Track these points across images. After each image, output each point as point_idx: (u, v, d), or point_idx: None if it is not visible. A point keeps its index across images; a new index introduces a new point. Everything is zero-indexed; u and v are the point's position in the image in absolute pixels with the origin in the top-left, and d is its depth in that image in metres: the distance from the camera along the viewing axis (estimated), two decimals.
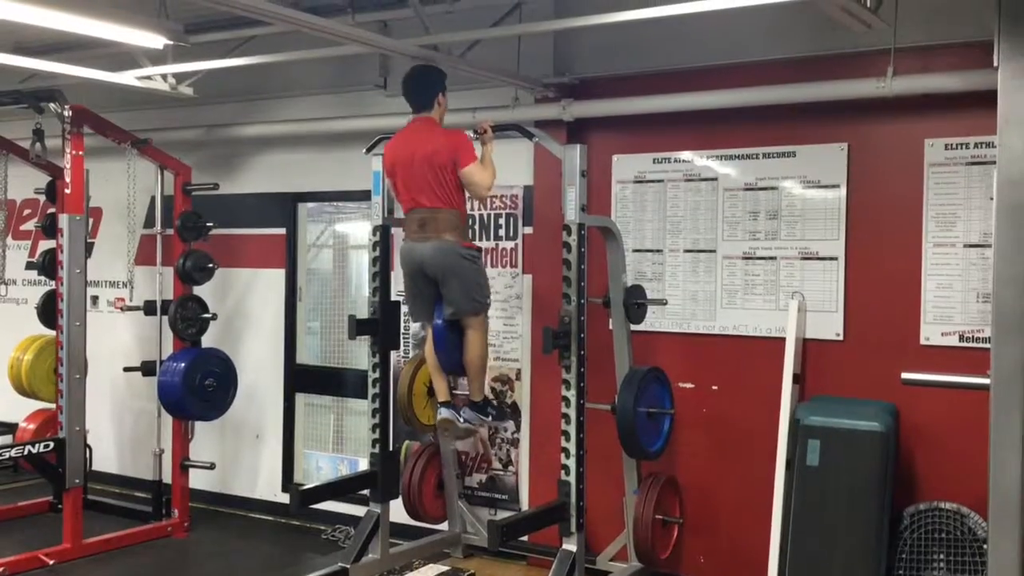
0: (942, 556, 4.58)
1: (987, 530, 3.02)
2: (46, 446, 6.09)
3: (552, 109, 5.75)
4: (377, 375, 5.52)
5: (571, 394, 4.82)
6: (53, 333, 6.47)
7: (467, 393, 5.42)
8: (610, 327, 5.37)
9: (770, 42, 5.25)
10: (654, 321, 5.59)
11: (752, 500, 5.18)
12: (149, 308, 6.65)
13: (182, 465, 6.64)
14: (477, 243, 5.40)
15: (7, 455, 6.09)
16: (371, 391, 5.54)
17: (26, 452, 6.06)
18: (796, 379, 5.01)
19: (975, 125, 4.75)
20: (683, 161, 5.62)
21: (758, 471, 5.06)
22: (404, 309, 5.65)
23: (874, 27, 4.49)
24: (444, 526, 6.09)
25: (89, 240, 6.55)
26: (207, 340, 6.76)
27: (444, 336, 5.13)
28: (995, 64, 2.89)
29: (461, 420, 5.21)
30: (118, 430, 7.75)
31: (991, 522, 2.92)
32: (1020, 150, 2.83)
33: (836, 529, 4.54)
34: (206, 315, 6.65)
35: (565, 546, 4.84)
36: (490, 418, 5.43)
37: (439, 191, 4.89)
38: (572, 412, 4.82)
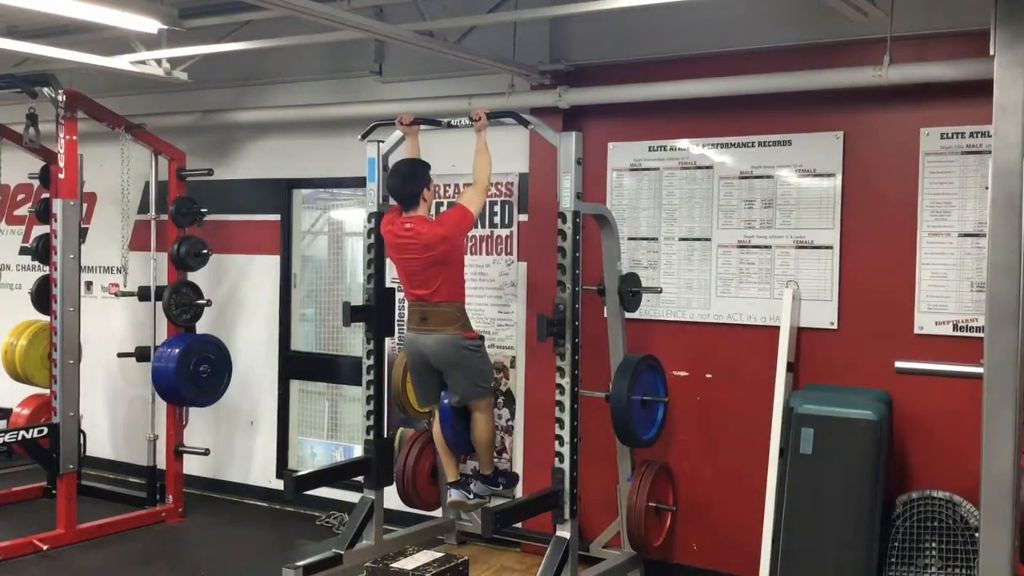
0: (934, 544, 4.60)
1: (979, 518, 3.03)
2: (40, 431, 6.10)
3: (548, 96, 5.74)
4: (371, 362, 5.52)
5: (565, 382, 4.83)
6: (47, 318, 6.45)
7: (477, 470, 5.46)
8: (605, 315, 5.37)
9: (767, 30, 5.24)
10: (649, 309, 5.59)
11: (745, 488, 5.19)
12: (143, 294, 6.65)
13: (176, 451, 6.64)
14: (480, 334, 5.42)
15: (1, 440, 6.09)
16: (365, 378, 5.54)
17: (20, 437, 6.06)
18: (790, 367, 5.02)
19: (971, 114, 4.75)
20: (679, 149, 5.61)
21: (751, 459, 5.07)
22: (399, 296, 5.66)
23: (870, 15, 4.49)
24: (438, 513, 6.11)
25: (83, 225, 6.53)
26: (201, 326, 6.75)
27: (451, 420, 5.26)
28: (991, 53, 2.89)
29: (471, 498, 5.32)
30: (112, 416, 7.74)
31: (983, 510, 2.94)
32: (1015, 139, 2.83)
33: (829, 517, 4.56)
34: (200, 301, 6.64)
35: (559, 533, 4.85)
36: (501, 488, 5.50)
37: (438, 286, 5.01)
38: (566, 400, 4.83)
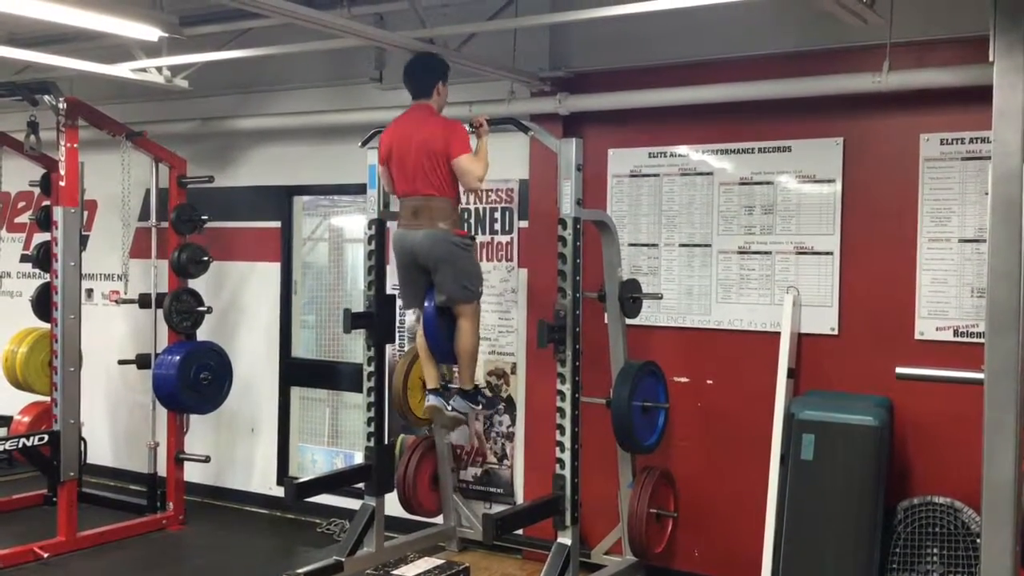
0: (935, 550, 4.59)
1: (980, 524, 3.03)
2: (41, 439, 6.09)
3: (548, 103, 5.75)
4: (372, 368, 5.52)
5: (566, 388, 4.83)
6: (48, 326, 6.46)
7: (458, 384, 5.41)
8: (605, 321, 5.37)
9: (766, 36, 5.25)
10: (649, 315, 5.59)
11: (746, 494, 5.19)
12: (144, 301, 6.65)
13: (177, 458, 6.63)
14: (471, 233, 5.39)
15: (1, 448, 6.09)
16: (366, 384, 5.54)
17: (21, 445, 6.06)
18: (791, 373, 5.01)
19: (970, 120, 4.76)
20: (679, 155, 5.62)
21: (752, 465, 5.07)
22: (399, 304, 5.66)
23: (870, 22, 4.49)
24: (439, 520, 6.10)
25: (84, 233, 6.54)
26: (202, 333, 6.76)
27: (435, 323, 5.12)
28: (991, 59, 2.89)
29: (449, 408, 5.19)
30: (113, 423, 7.74)
31: (984, 516, 2.93)
32: (1015, 145, 2.83)
33: (830, 523, 4.55)
34: (201, 308, 6.65)
35: (560, 539, 4.85)
36: (480, 406, 5.42)
37: (433, 179, 4.90)
38: (567, 406, 4.82)
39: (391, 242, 5.29)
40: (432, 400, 5.20)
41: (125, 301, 6.75)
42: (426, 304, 5.13)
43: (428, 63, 5.09)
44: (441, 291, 5.00)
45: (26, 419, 6.93)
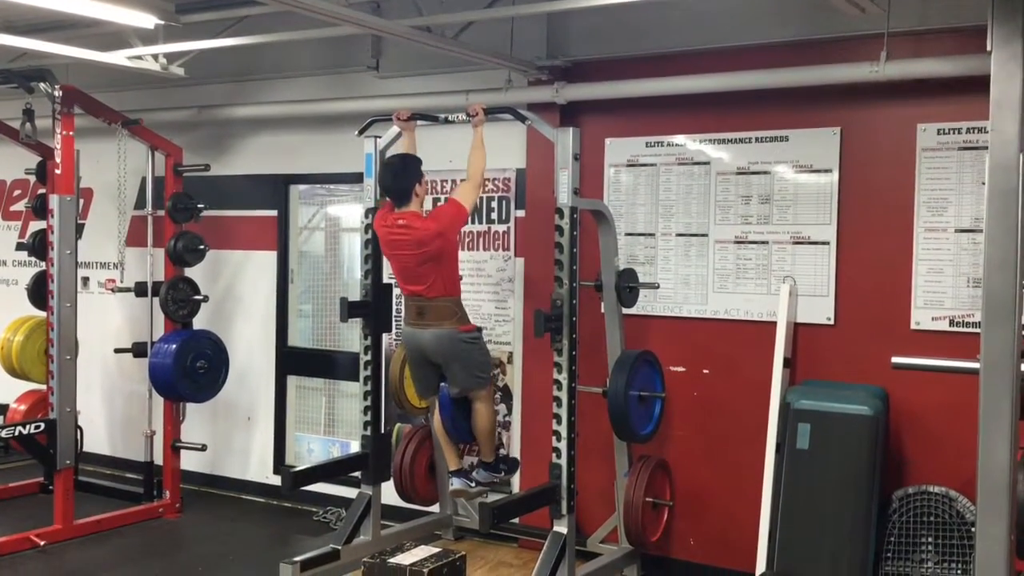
0: (930, 539, 4.61)
1: (975, 513, 3.04)
2: (37, 427, 6.09)
3: (545, 92, 5.74)
4: (369, 357, 5.52)
5: (563, 377, 4.83)
6: (44, 314, 6.45)
7: (479, 457, 5.43)
8: (602, 311, 5.37)
9: (764, 26, 5.24)
10: (646, 305, 5.60)
11: (742, 483, 5.20)
12: (140, 289, 6.63)
13: (173, 446, 6.64)
14: (477, 325, 5.41)
15: None
16: (363, 373, 5.54)
17: (17, 433, 6.06)
18: (787, 363, 5.02)
19: (968, 110, 4.76)
20: (676, 145, 5.61)
21: (748, 454, 5.08)
22: (396, 292, 5.66)
23: (868, 11, 4.49)
24: (435, 508, 6.11)
25: (80, 221, 6.52)
26: (198, 322, 6.75)
27: (451, 409, 5.23)
28: (988, 49, 2.89)
29: (472, 486, 5.29)
30: (109, 411, 7.74)
31: (979, 505, 2.94)
32: (1012, 135, 2.83)
33: (825, 512, 4.57)
34: (197, 297, 6.64)
35: (556, 528, 4.86)
36: (503, 474, 5.48)
37: (433, 281, 4.98)
38: (564, 395, 4.83)
39: (399, 337, 5.35)
40: (456, 484, 5.29)
41: (121, 289, 6.74)
42: (442, 391, 5.23)
43: (399, 172, 5.07)
44: (454, 384, 5.11)
45: (22, 407, 6.92)
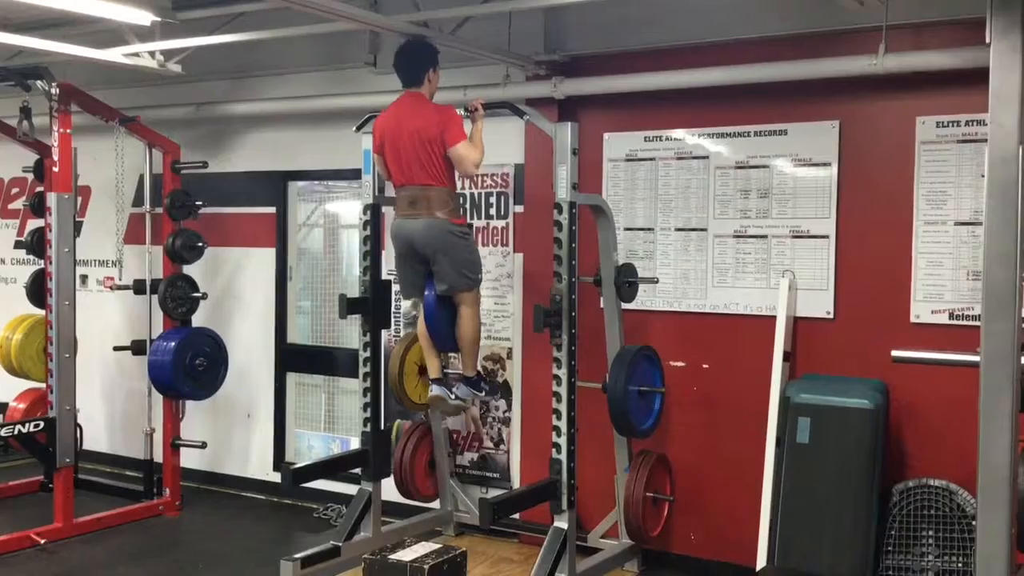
0: (931, 532, 4.61)
1: (975, 506, 3.04)
2: (36, 426, 6.09)
3: (543, 87, 5.73)
4: (368, 354, 5.52)
5: (562, 372, 4.83)
6: (42, 312, 6.44)
7: (460, 371, 5.40)
8: (601, 305, 5.36)
9: (763, 19, 5.23)
10: (645, 299, 5.59)
11: (742, 478, 5.20)
12: (138, 287, 6.63)
13: (173, 444, 6.63)
14: (468, 220, 5.38)
15: None
16: (362, 370, 5.54)
17: (16, 432, 6.06)
18: (786, 357, 5.02)
19: (967, 102, 4.75)
20: (674, 139, 5.60)
21: (748, 449, 5.08)
22: (395, 288, 5.65)
23: (866, 4, 4.48)
24: (436, 504, 6.11)
25: (77, 219, 6.52)
26: (197, 319, 6.74)
27: (435, 312, 5.12)
28: (987, 41, 2.88)
29: (452, 396, 5.21)
30: (108, 409, 7.73)
31: (980, 499, 2.94)
32: (1012, 127, 2.82)
33: (826, 506, 4.57)
34: (196, 294, 6.63)
35: (556, 524, 4.86)
36: (483, 393, 5.43)
37: (429, 168, 4.88)
38: (563, 390, 4.83)
39: (388, 232, 5.28)
40: (435, 390, 5.20)
41: (120, 287, 6.73)
42: (426, 293, 5.12)
43: (417, 50, 5.06)
44: (441, 280, 5.00)
45: (21, 406, 6.92)
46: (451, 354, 5.65)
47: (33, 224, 7.11)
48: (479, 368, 5.42)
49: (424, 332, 5.25)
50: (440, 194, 4.92)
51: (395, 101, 5.09)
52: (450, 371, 5.61)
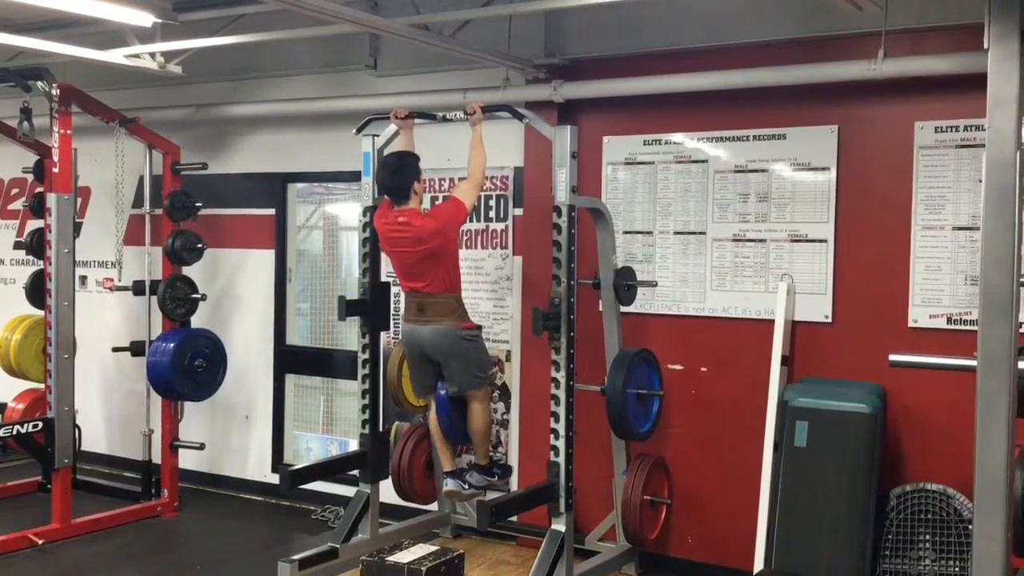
0: (928, 537, 4.61)
1: (972, 511, 3.04)
2: (35, 426, 6.09)
3: (543, 90, 5.73)
4: (367, 356, 5.52)
5: (561, 375, 4.83)
6: (41, 313, 6.44)
7: (472, 460, 5.45)
8: (600, 309, 5.37)
9: (762, 24, 5.24)
10: (644, 303, 5.60)
11: (740, 481, 5.20)
12: (138, 288, 6.63)
13: (171, 445, 6.63)
14: (478, 324, 5.43)
15: None
16: (361, 372, 5.54)
17: (15, 432, 6.06)
18: (784, 361, 5.03)
19: (965, 108, 4.77)
20: (674, 143, 5.61)
21: (746, 452, 5.09)
22: (395, 291, 5.66)
23: (865, 9, 4.50)
24: (434, 506, 6.11)
25: (77, 220, 6.52)
26: (196, 321, 6.75)
27: (448, 409, 5.22)
28: (986, 46, 2.89)
29: (466, 488, 5.31)
30: (107, 410, 7.73)
31: (976, 503, 2.94)
32: (1009, 132, 2.84)
33: (823, 510, 4.57)
34: (195, 295, 6.63)
35: (554, 526, 4.86)
36: (496, 479, 5.49)
37: (434, 278, 4.99)
38: (562, 393, 4.83)
39: (400, 336, 5.39)
40: (450, 484, 5.31)
41: (119, 288, 6.73)
42: (439, 392, 5.22)
43: (397, 170, 5.07)
44: (452, 383, 5.11)
45: (20, 406, 6.92)
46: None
47: (33, 225, 7.11)
48: (491, 455, 5.52)
49: (436, 428, 5.34)
50: (447, 300, 5.03)
51: (390, 211, 5.06)
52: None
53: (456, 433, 5.30)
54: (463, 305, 5.15)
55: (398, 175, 5.05)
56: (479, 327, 5.29)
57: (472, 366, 5.10)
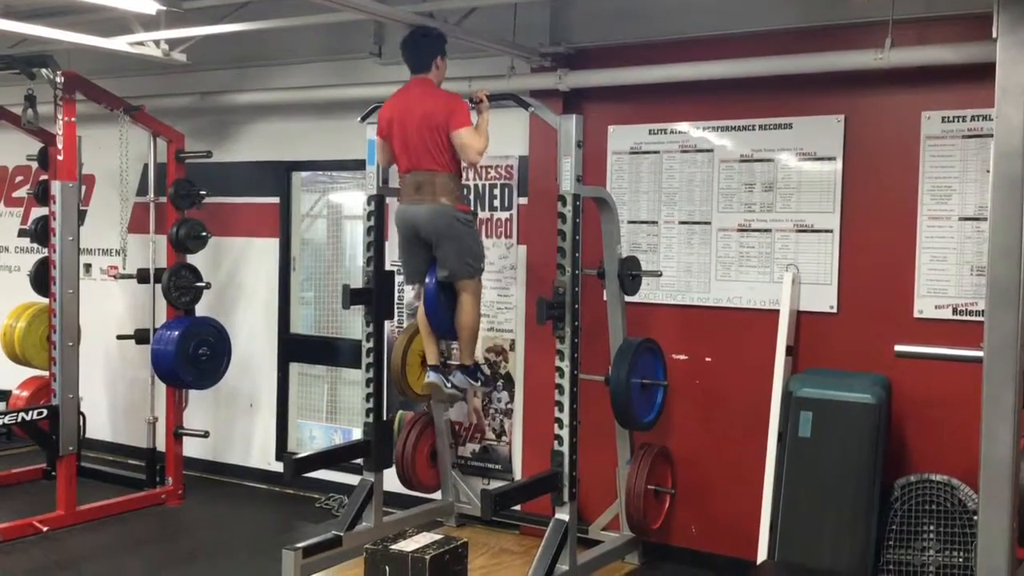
0: (932, 528, 4.61)
1: (977, 502, 3.04)
2: (40, 413, 6.10)
3: (548, 79, 5.72)
4: (371, 345, 5.52)
5: (565, 365, 4.83)
6: (46, 300, 6.45)
7: (458, 360, 5.42)
8: (604, 298, 5.36)
9: (768, 12, 5.22)
10: (648, 293, 5.59)
11: (744, 471, 5.20)
12: (142, 276, 6.64)
13: (176, 433, 6.65)
14: (472, 209, 5.39)
15: (1, 422, 6.10)
16: (365, 361, 5.54)
17: (20, 419, 6.07)
18: (789, 351, 5.02)
19: (972, 98, 4.74)
20: (679, 132, 5.59)
21: (750, 442, 5.08)
22: (399, 280, 5.65)
23: None
24: (437, 495, 6.12)
25: (82, 207, 6.51)
26: (200, 309, 6.75)
27: (436, 298, 5.14)
28: (994, 36, 2.88)
29: (448, 385, 5.24)
30: (112, 398, 7.75)
31: (982, 494, 2.94)
32: (1017, 122, 2.82)
33: (827, 500, 4.57)
34: (199, 284, 6.64)
35: (558, 515, 4.86)
36: (479, 383, 5.44)
37: (435, 154, 4.90)
38: (566, 383, 4.83)
39: (393, 217, 5.28)
40: (432, 377, 5.22)
41: (123, 276, 6.74)
42: (428, 280, 5.14)
43: (426, 37, 5.07)
44: (443, 267, 5.01)
45: (25, 394, 6.93)
46: (452, 345, 5.66)
47: (37, 212, 7.12)
48: (477, 358, 5.41)
49: (424, 318, 5.28)
50: (446, 180, 4.94)
51: (402, 87, 5.11)
52: (452, 362, 5.61)
53: (443, 325, 5.21)
54: (461, 187, 5.08)
55: (424, 43, 5.03)
56: (474, 212, 5.21)
57: (464, 251, 5.02)
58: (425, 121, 4.88)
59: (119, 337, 6.84)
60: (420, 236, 5.02)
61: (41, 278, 6.62)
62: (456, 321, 5.14)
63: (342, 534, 5.28)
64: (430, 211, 4.94)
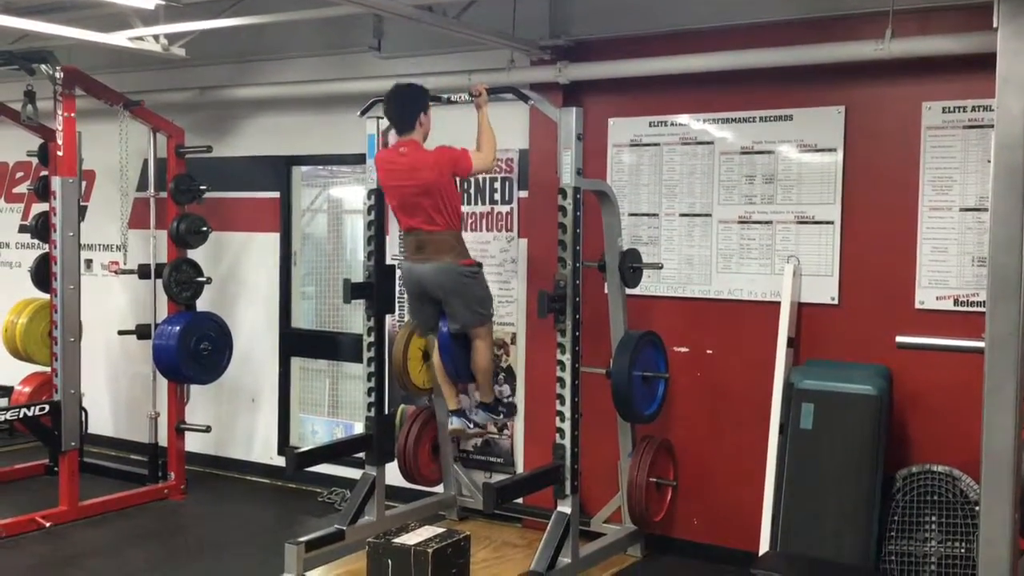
0: (934, 518, 4.61)
1: (979, 492, 3.04)
2: (41, 409, 6.11)
3: (548, 72, 5.71)
4: (372, 339, 5.53)
5: (566, 358, 4.83)
6: (47, 296, 6.45)
7: (478, 399, 5.49)
8: (605, 291, 5.36)
9: (768, 4, 5.21)
10: (649, 285, 5.59)
11: (745, 463, 5.21)
12: (143, 272, 6.64)
13: (178, 428, 6.65)
14: (478, 261, 5.42)
15: (2, 418, 6.10)
16: (366, 355, 5.55)
17: (21, 415, 6.07)
18: (791, 343, 5.02)
19: (973, 88, 4.73)
20: (679, 124, 5.59)
21: (752, 434, 5.08)
22: (399, 274, 5.65)
23: None
24: (439, 489, 6.13)
25: (82, 203, 6.52)
26: (201, 304, 6.75)
27: (450, 347, 5.22)
28: (995, 25, 2.87)
29: (471, 427, 5.35)
30: (113, 393, 7.76)
31: (983, 484, 2.95)
32: (1018, 112, 2.82)
33: (829, 492, 4.57)
34: (200, 279, 6.64)
35: (560, 508, 4.87)
36: (501, 416, 5.54)
37: (434, 215, 4.96)
38: (567, 376, 4.83)
39: (399, 275, 5.41)
40: (456, 422, 5.34)
41: (124, 272, 6.74)
42: (440, 330, 5.22)
43: (407, 96, 5.07)
44: (454, 320, 5.10)
45: (27, 389, 6.93)
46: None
47: (37, 208, 7.12)
48: (495, 393, 5.55)
49: (440, 365, 5.34)
50: (447, 238, 5.01)
51: (391, 147, 5.14)
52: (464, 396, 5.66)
53: (459, 371, 5.28)
54: (463, 242, 5.12)
55: (407, 103, 5.04)
56: (479, 264, 5.25)
57: (473, 302, 5.08)
58: (419, 185, 4.92)
59: (120, 332, 6.85)
60: (428, 293, 5.11)
61: (42, 274, 6.62)
62: (472, 364, 5.23)
63: (345, 528, 5.29)
64: (435, 270, 5.01)
